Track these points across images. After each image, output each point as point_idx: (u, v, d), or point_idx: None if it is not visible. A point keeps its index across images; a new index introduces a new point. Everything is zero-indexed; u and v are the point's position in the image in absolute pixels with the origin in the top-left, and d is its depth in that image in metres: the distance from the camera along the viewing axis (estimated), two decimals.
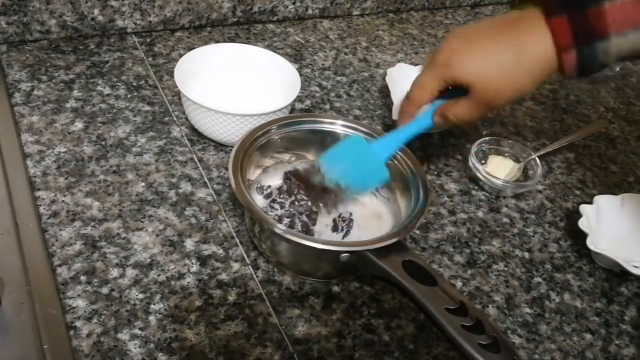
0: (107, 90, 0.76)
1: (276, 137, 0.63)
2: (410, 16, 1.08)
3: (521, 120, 0.88)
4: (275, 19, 0.97)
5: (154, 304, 0.54)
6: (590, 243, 0.64)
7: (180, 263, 0.58)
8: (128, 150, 0.68)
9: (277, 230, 0.52)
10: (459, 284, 0.62)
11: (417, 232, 0.66)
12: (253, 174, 0.63)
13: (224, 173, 0.68)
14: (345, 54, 0.94)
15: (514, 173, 0.75)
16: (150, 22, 0.87)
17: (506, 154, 0.77)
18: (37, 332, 0.50)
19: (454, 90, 0.55)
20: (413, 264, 0.53)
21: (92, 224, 0.59)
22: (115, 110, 0.73)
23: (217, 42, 0.89)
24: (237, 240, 0.61)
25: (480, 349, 0.48)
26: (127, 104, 0.74)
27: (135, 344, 0.51)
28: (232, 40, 0.90)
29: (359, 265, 0.54)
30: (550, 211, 0.74)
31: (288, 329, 0.54)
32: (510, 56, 0.49)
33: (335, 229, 0.61)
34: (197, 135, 0.72)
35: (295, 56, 0.90)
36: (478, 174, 0.73)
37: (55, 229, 0.58)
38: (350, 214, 0.63)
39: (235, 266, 0.59)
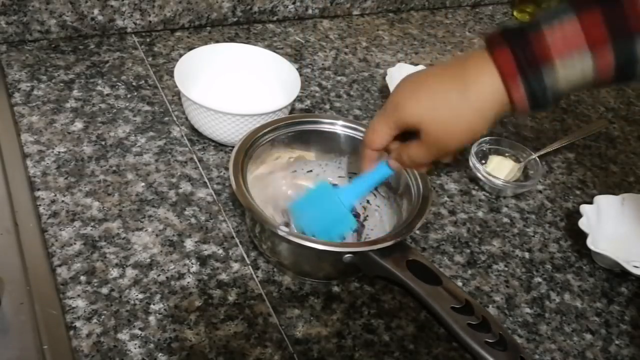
0: (106, 90, 0.76)
1: (276, 138, 0.63)
2: (411, 16, 1.08)
3: (521, 120, 0.88)
4: (275, 18, 0.97)
5: (153, 304, 0.54)
6: (591, 243, 0.64)
7: (180, 263, 0.58)
8: (128, 150, 0.68)
9: (280, 232, 0.52)
10: (459, 284, 0.62)
11: (417, 232, 0.66)
12: (252, 173, 0.63)
13: (224, 173, 0.68)
14: (345, 53, 0.94)
15: (514, 173, 0.75)
16: (150, 22, 0.87)
17: (506, 154, 0.77)
18: (36, 332, 0.50)
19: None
20: (417, 263, 0.53)
21: (92, 224, 0.59)
22: (115, 110, 0.73)
23: (217, 42, 0.89)
24: (237, 240, 0.61)
25: (487, 347, 0.48)
26: (127, 104, 0.74)
27: (135, 344, 0.51)
28: (232, 40, 0.90)
29: (362, 265, 0.54)
30: (551, 211, 0.74)
31: (288, 329, 0.54)
32: (457, 95, 0.47)
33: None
34: (197, 135, 0.72)
35: (295, 56, 0.90)
36: (478, 174, 0.73)
37: (55, 229, 0.58)
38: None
39: (235, 266, 0.59)
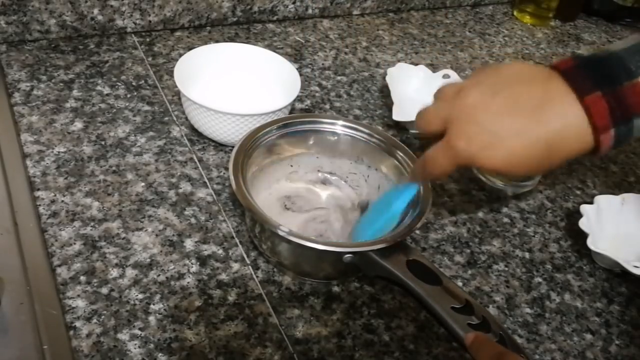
0: (106, 90, 0.76)
1: (276, 138, 0.63)
2: (411, 16, 1.08)
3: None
4: (275, 18, 0.97)
5: (153, 304, 0.54)
6: (591, 243, 0.64)
7: (180, 263, 0.58)
8: (128, 150, 0.68)
9: (280, 232, 0.52)
10: (459, 284, 0.62)
11: (417, 232, 0.66)
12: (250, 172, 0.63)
13: (224, 173, 0.68)
14: (345, 53, 0.93)
15: None
16: (150, 21, 0.87)
17: None
18: (36, 332, 0.50)
19: None
20: (417, 263, 0.53)
21: (92, 224, 0.59)
22: (114, 110, 0.73)
23: (217, 41, 0.89)
24: (237, 240, 0.61)
25: None
26: (127, 104, 0.74)
27: (135, 344, 0.51)
28: (232, 40, 0.90)
29: (362, 266, 0.54)
30: (551, 211, 0.74)
31: (288, 329, 0.54)
32: (544, 151, 0.44)
33: None
34: (196, 135, 0.72)
35: (295, 56, 0.90)
36: (478, 174, 0.73)
37: (54, 229, 0.58)
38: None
39: (235, 266, 0.59)
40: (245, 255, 0.60)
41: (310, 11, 0.99)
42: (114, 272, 0.56)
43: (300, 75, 0.73)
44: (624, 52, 0.43)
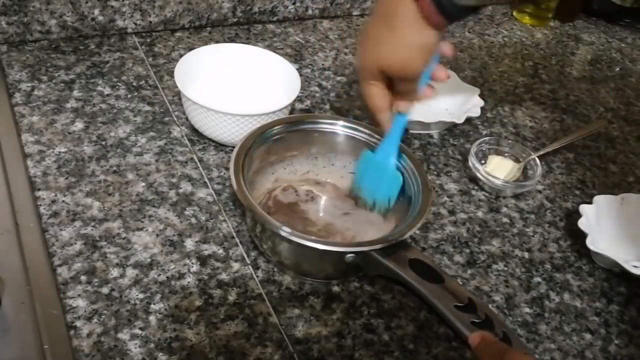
0: (107, 91, 0.76)
1: (277, 138, 0.63)
2: None
3: (521, 120, 0.88)
4: (275, 19, 0.97)
5: (154, 304, 0.54)
6: (590, 243, 0.65)
7: (181, 263, 0.58)
8: (128, 150, 0.68)
9: (282, 233, 0.52)
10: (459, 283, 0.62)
11: (417, 232, 0.66)
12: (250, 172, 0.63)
13: (224, 173, 0.68)
14: (345, 54, 0.94)
15: (513, 173, 0.75)
16: (150, 22, 0.87)
17: (506, 154, 0.77)
18: (37, 332, 0.50)
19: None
20: (419, 262, 0.53)
21: (93, 224, 0.60)
22: (115, 111, 0.73)
23: (217, 42, 0.89)
24: (237, 240, 0.61)
25: None
26: (128, 104, 0.75)
27: (136, 343, 0.51)
28: (232, 40, 0.90)
29: (364, 265, 0.54)
30: (550, 211, 0.74)
31: (288, 329, 0.54)
32: (388, 32, 0.54)
33: None
34: (197, 135, 0.72)
35: (295, 56, 0.90)
36: (478, 174, 0.73)
37: (55, 228, 0.58)
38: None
39: (236, 266, 0.59)
40: (245, 255, 0.60)
41: (310, 12, 0.99)
42: (115, 272, 0.56)
43: (300, 75, 0.74)
44: None
